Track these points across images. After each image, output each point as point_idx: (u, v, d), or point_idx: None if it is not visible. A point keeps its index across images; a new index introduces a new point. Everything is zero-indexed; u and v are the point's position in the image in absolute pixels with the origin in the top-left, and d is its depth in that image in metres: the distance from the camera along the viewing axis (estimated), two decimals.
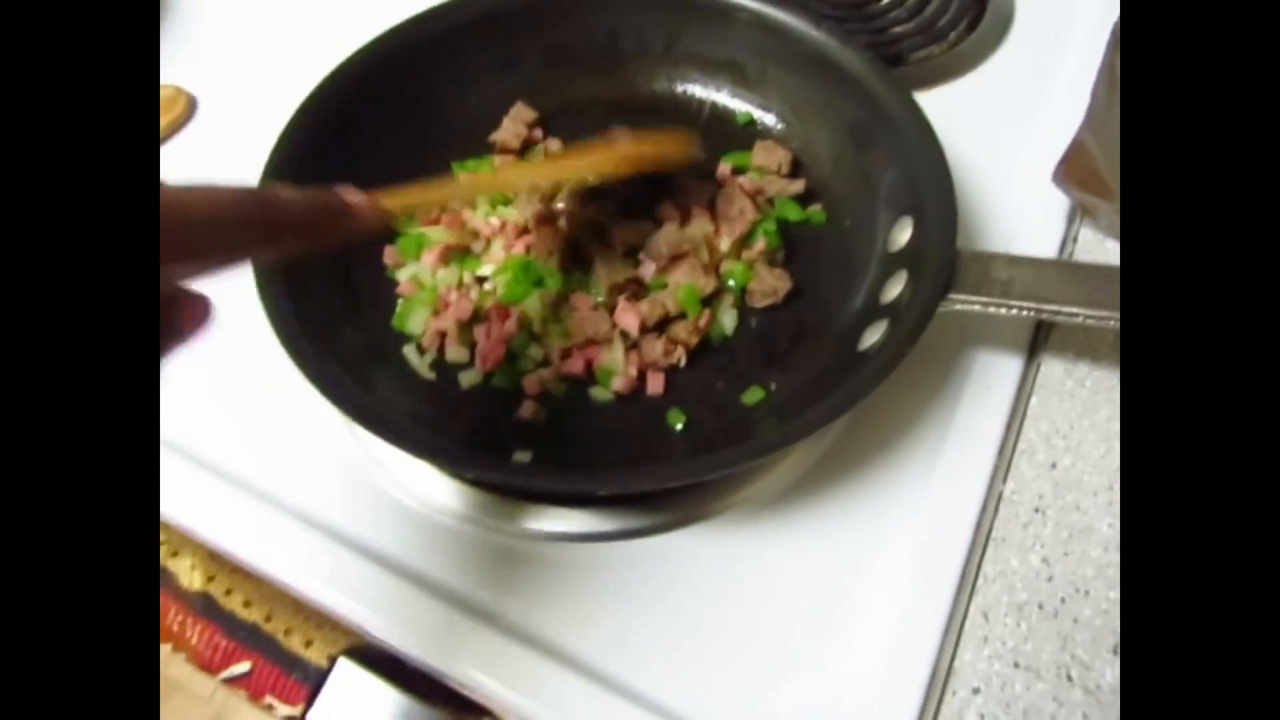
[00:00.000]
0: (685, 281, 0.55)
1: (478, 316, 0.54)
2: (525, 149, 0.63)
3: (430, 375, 0.53)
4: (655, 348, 0.53)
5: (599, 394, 0.53)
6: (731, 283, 0.56)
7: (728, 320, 0.55)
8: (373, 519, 0.51)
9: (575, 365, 0.53)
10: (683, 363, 0.54)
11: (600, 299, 0.55)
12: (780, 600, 0.48)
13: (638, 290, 0.55)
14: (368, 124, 0.58)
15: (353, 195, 0.40)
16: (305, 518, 0.50)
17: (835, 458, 0.52)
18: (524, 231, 0.57)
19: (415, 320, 0.54)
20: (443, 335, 0.54)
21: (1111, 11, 0.68)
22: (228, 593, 0.57)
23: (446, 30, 0.60)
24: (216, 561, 0.57)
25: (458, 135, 0.62)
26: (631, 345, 0.53)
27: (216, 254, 0.31)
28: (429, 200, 0.52)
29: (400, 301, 0.56)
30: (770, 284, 0.56)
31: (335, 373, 0.45)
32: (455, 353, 0.53)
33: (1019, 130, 0.66)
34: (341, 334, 0.51)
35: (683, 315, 0.54)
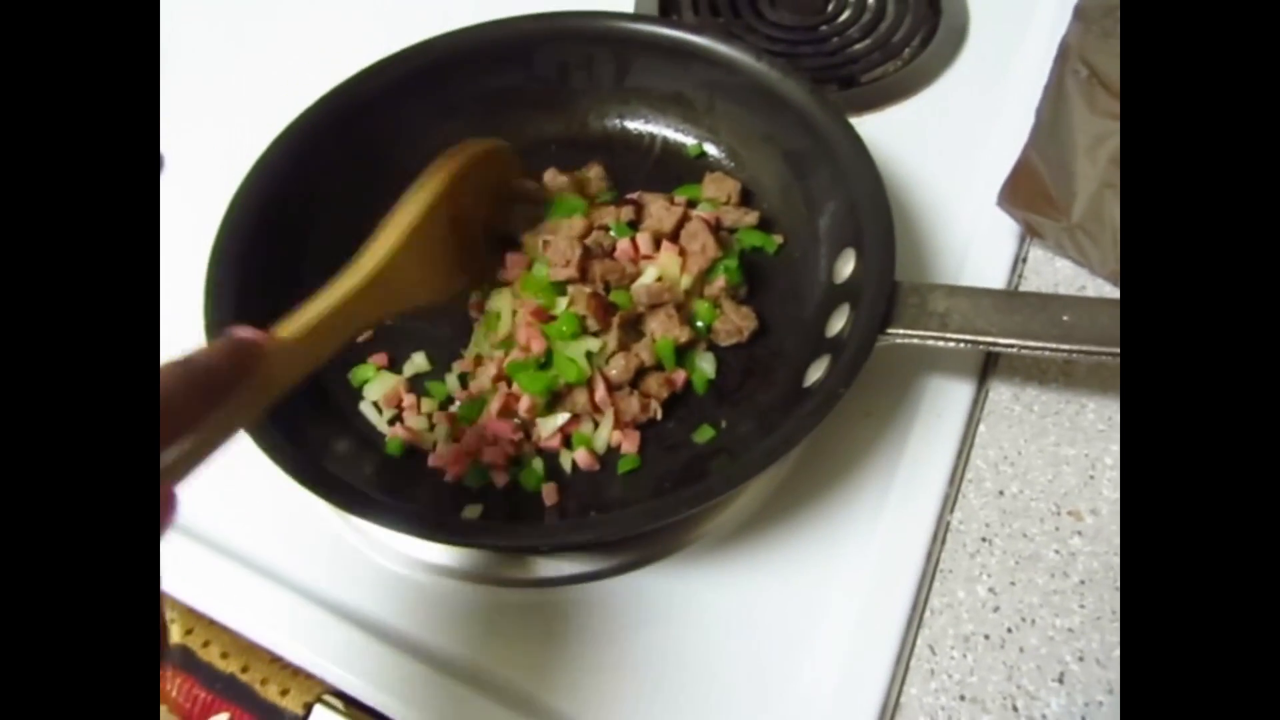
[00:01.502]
0: (662, 334, 0.55)
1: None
2: None
3: (386, 429, 0.54)
4: (632, 405, 0.53)
5: (564, 457, 0.53)
6: (700, 324, 0.56)
7: (707, 365, 0.55)
8: (339, 573, 0.52)
9: (554, 442, 0.52)
10: (659, 417, 0.54)
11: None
12: (735, 636, 0.49)
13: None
14: (319, 183, 0.59)
15: (246, 332, 0.36)
16: (273, 574, 0.52)
17: (791, 489, 0.53)
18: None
19: (374, 388, 0.55)
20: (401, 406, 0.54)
21: (1062, 24, 0.68)
22: (205, 644, 0.58)
23: (388, 84, 0.61)
24: (194, 615, 0.58)
25: (406, 186, 0.63)
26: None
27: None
28: (317, 317, 0.42)
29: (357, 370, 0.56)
30: (736, 323, 0.56)
31: (279, 441, 0.46)
32: (415, 420, 0.54)
33: (971, 148, 0.66)
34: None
35: (658, 366, 0.54)
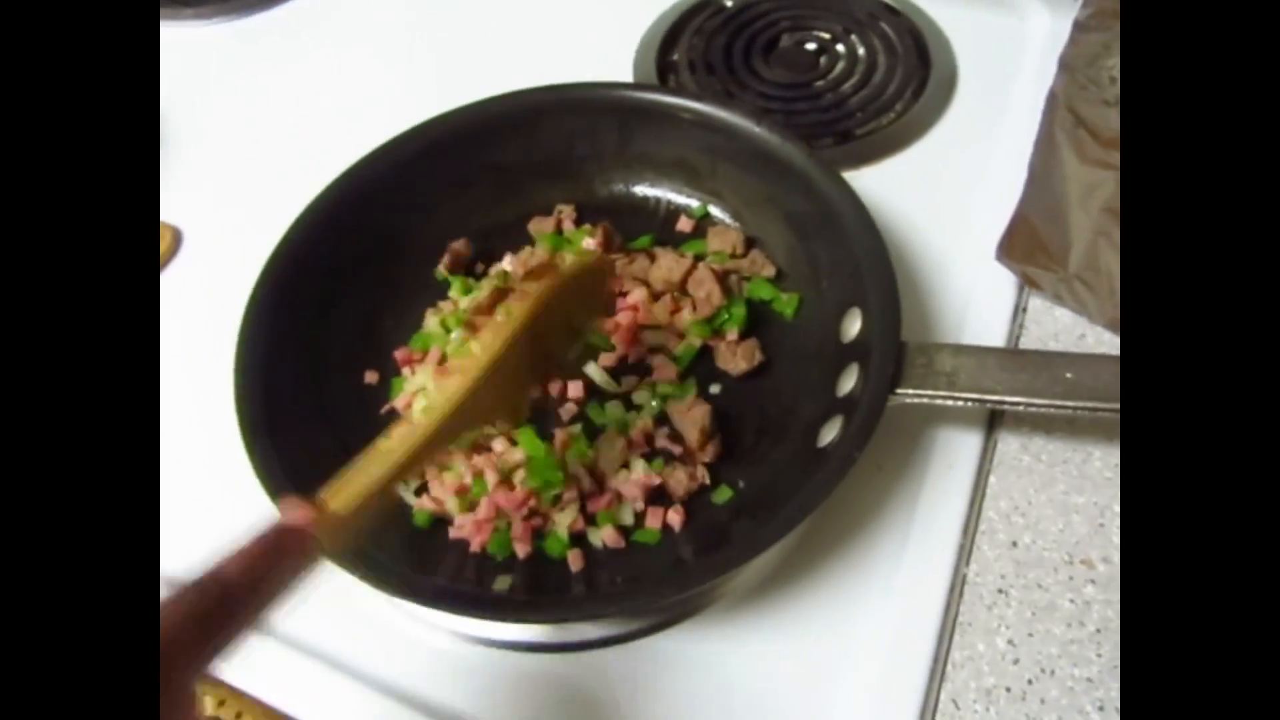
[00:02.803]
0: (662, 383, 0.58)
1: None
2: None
3: (412, 500, 0.56)
4: (680, 478, 0.54)
5: (592, 535, 0.54)
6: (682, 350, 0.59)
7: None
8: (369, 643, 0.53)
9: (578, 526, 0.53)
10: (707, 482, 0.55)
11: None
12: (759, 696, 0.50)
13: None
14: (339, 265, 0.61)
15: (293, 512, 0.38)
16: (303, 645, 0.53)
17: (808, 546, 0.54)
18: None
19: None
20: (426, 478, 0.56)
21: (1048, 72, 0.70)
22: (238, 717, 0.59)
23: (398, 162, 0.63)
24: (225, 687, 0.59)
25: (424, 259, 0.65)
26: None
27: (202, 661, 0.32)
28: (371, 485, 0.41)
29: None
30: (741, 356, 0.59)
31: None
32: (441, 491, 0.55)
33: (967, 198, 0.68)
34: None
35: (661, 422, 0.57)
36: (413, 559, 0.52)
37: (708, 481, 0.55)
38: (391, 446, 0.42)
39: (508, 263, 0.65)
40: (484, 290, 0.61)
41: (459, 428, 0.45)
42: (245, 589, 0.34)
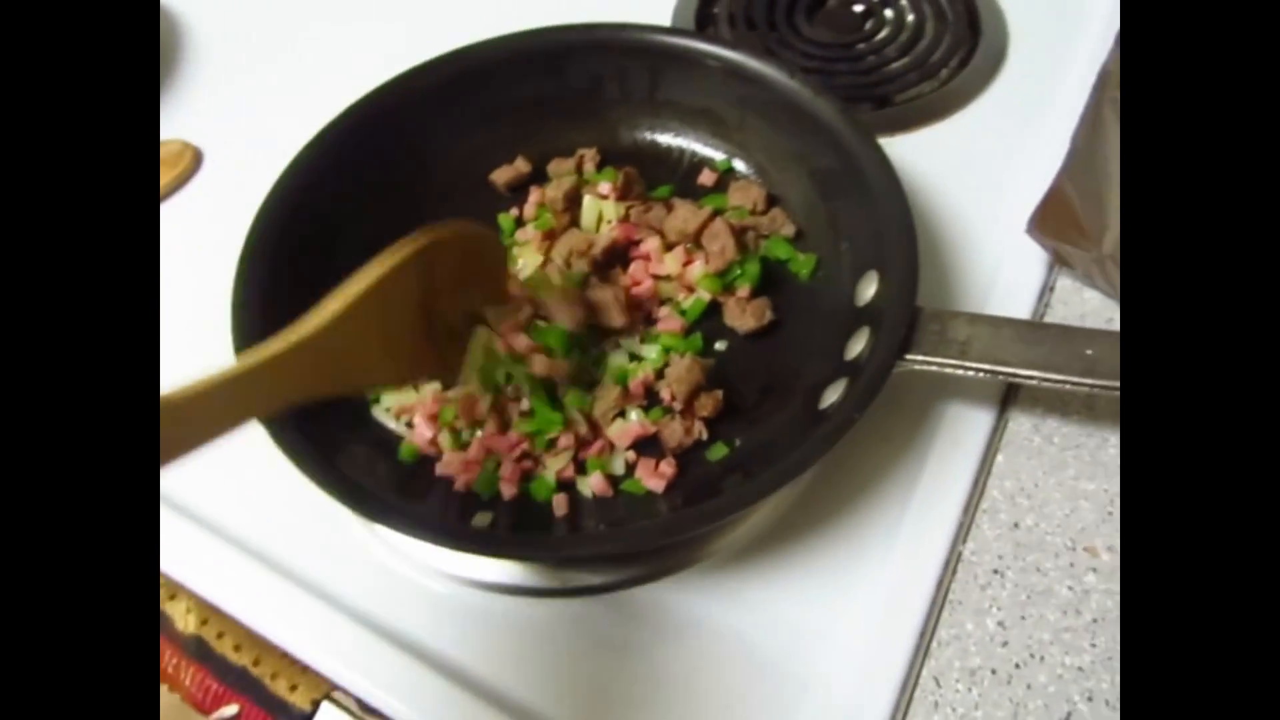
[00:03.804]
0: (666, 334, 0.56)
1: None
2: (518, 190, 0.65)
3: (404, 431, 0.55)
4: (675, 430, 0.53)
5: (581, 484, 0.53)
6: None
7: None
8: (352, 573, 0.52)
9: (567, 473, 0.52)
10: (704, 437, 0.53)
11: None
12: (742, 656, 0.49)
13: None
14: (350, 189, 0.60)
15: None
16: (288, 571, 0.53)
17: (805, 509, 0.53)
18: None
19: (390, 396, 0.56)
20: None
21: (1104, 48, 0.67)
22: (219, 636, 0.59)
23: (421, 90, 0.62)
24: (209, 607, 0.59)
25: (440, 189, 0.64)
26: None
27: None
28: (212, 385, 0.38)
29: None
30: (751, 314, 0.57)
31: (298, 444, 0.47)
32: (427, 430, 0.54)
33: (1004, 172, 0.65)
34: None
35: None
36: (396, 488, 0.52)
37: (704, 436, 0.53)
38: (259, 349, 0.41)
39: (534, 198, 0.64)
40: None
41: (336, 363, 0.43)
42: None
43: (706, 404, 0.54)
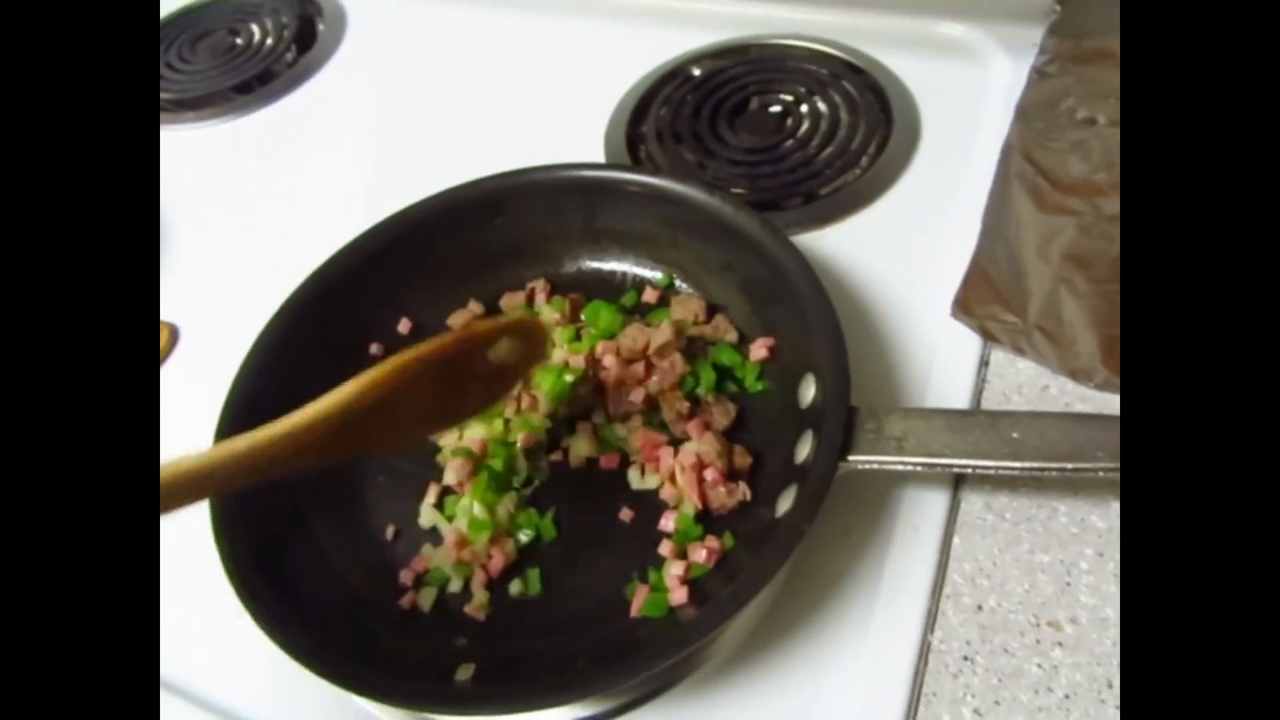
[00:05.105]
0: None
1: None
2: None
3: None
4: (700, 554, 0.54)
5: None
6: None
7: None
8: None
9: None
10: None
11: None
12: None
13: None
14: (318, 346, 0.63)
15: None
16: None
17: (777, 615, 0.53)
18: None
19: None
20: None
21: (1006, 120, 0.70)
22: None
23: (373, 250, 0.66)
24: None
25: (403, 339, 0.67)
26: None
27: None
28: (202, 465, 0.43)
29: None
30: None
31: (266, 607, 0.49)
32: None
33: (930, 253, 0.67)
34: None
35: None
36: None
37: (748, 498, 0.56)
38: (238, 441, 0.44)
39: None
40: None
41: (334, 435, 0.47)
42: None
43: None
